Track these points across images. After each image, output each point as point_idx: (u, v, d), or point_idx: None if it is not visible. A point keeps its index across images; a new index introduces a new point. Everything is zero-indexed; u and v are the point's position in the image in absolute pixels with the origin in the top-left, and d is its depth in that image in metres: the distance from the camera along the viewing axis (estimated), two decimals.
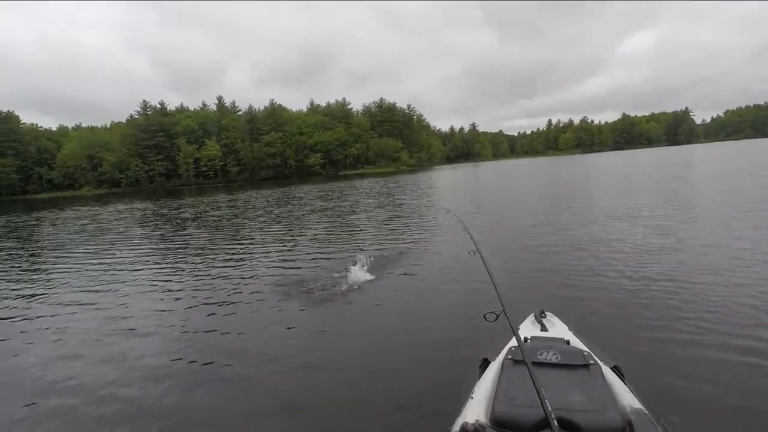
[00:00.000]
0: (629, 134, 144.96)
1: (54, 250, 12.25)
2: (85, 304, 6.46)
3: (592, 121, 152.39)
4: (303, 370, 3.84)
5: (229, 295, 6.32)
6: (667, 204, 12.02)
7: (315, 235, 11.60)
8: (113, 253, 10.79)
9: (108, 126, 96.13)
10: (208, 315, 5.54)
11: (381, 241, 9.82)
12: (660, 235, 8.04)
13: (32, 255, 11.77)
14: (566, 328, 2.44)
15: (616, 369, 1.94)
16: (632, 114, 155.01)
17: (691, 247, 7.05)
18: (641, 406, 1.62)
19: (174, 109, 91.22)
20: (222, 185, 68.18)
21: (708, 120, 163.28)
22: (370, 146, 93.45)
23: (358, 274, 6.59)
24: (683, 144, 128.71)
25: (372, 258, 7.44)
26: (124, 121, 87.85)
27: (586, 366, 1.75)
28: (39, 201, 54.88)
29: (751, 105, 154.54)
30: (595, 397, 1.54)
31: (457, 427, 1.61)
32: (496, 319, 1.82)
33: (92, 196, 59.04)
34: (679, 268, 5.90)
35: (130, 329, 5.24)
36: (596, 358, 1.85)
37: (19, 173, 76.90)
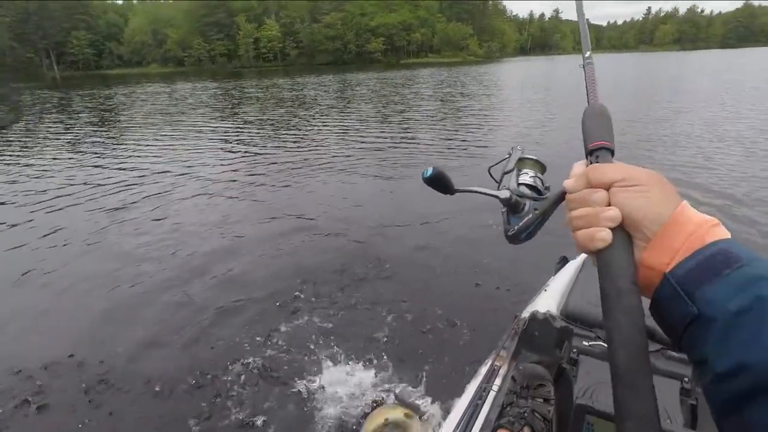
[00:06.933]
0: (746, 29, 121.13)
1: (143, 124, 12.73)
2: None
3: (702, 11, 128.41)
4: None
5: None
6: None
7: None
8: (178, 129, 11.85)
9: (171, 0, 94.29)
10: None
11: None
12: None
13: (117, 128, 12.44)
14: None
15: None
16: (757, 3, 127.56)
17: None
18: None
19: None
20: (281, 68, 66.86)
21: None
22: (436, 32, 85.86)
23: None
24: None
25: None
26: None
27: None
28: (111, 76, 57.31)
29: None
30: None
31: (526, 314, 1.63)
32: None
33: (159, 74, 60.30)
34: None
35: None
36: None
37: (92, 48, 79.17)
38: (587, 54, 0.62)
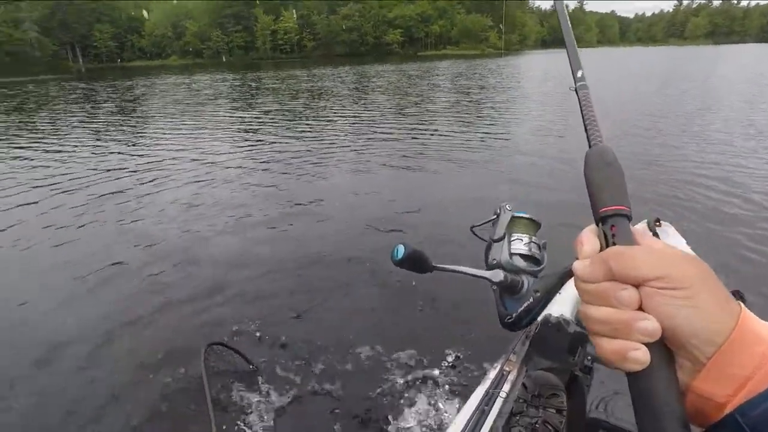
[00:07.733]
0: None
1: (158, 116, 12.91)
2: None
3: (738, 2, 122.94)
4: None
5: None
6: None
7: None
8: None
9: None
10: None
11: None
12: None
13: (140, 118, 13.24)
14: (684, 242, 1.94)
15: (737, 293, 1.53)
16: None
17: None
18: None
19: None
20: (298, 60, 66.70)
21: None
22: (455, 23, 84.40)
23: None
24: None
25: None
26: None
27: None
28: (133, 68, 58.25)
29: None
30: None
31: (538, 317, 1.49)
32: None
33: (178, 66, 60.85)
34: None
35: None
36: None
37: (114, 40, 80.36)
38: (579, 74, 0.49)
